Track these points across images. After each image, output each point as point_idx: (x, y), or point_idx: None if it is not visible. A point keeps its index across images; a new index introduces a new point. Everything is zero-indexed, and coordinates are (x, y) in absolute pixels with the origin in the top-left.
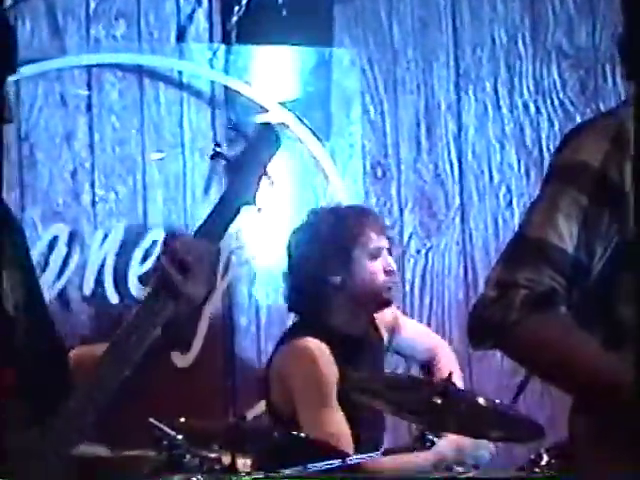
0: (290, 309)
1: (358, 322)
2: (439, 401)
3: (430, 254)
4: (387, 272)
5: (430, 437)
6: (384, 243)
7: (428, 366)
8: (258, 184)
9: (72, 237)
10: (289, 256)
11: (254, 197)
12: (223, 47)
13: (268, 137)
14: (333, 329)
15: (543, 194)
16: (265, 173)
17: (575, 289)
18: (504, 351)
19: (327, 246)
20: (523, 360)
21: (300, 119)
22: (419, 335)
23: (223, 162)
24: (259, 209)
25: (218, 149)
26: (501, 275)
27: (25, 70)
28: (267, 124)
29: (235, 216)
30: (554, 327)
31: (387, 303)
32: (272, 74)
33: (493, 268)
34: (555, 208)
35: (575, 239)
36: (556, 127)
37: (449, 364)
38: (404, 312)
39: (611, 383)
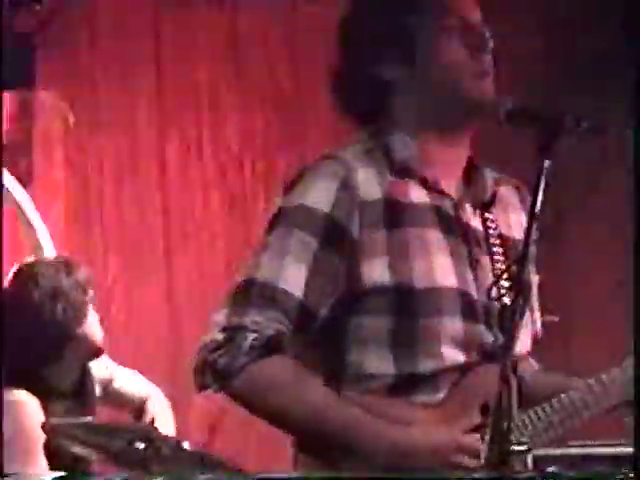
0: None
1: (70, 375)
2: (142, 446)
3: (136, 299)
4: None
5: None
6: None
7: (139, 413)
8: None
9: None
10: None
11: None
12: None
13: None
14: (44, 380)
15: (271, 237)
16: None
17: (302, 333)
18: (230, 395)
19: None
20: (250, 404)
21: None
22: (131, 383)
23: None
24: None
25: None
26: (228, 318)
27: None
28: None
29: None
30: (281, 371)
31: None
32: None
33: (218, 311)
34: (284, 252)
35: (304, 283)
36: (259, 169)
37: (158, 410)
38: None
39: (337, 425)
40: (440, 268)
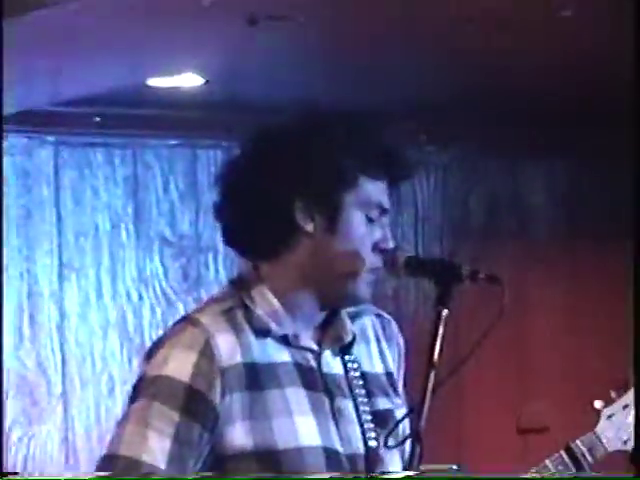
0: None
1: None
2: None
3: (32, 442)
4: None
5: None
6: None
7: None
8: None
9: None
10: None
11: None
12: None
13: None
14: None
15: (133, 409)
16: None
17: None
18: None
19: None
20: None
21: None
22: None
23: None
24: None
25: None
26: None
27: None
28: None
29: None
30: None
31: None
32: None
33: None
34: (146, 425)
35: (167, 454)
36: (158, 315)
37: None
38: None
39: None
40: (302, 427)
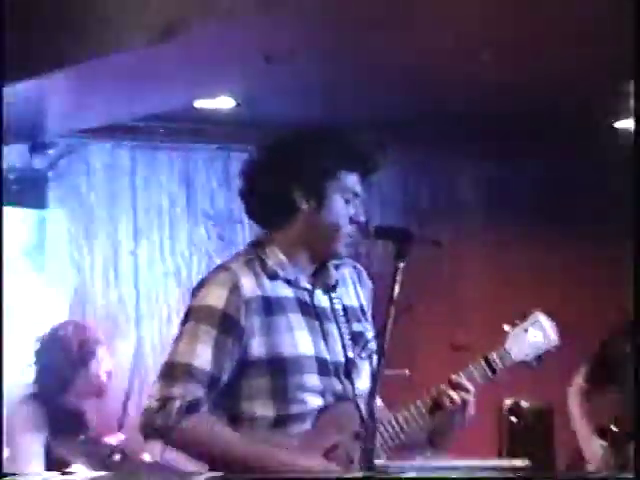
0: None
1: None
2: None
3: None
4: None
5: None
6: None
7: None
8: None
9: None
10: None
11: None
12: None
13: None
14: None
15: (184, 329)
16: None
17: (212, 393)
18: (170, 444)
19: None
20: (186, 450)
21: None
22: None
23: None
24: None
25: None
26: (159, 391)
27: None
28: None
29: None
30: (201, 425)
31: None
32: None
33: (153, 385)
34: (194, 339)
35: (210, 360)
36: (202, 267)
37: None
38: None
39: (245, 454)
40: (300, 341)
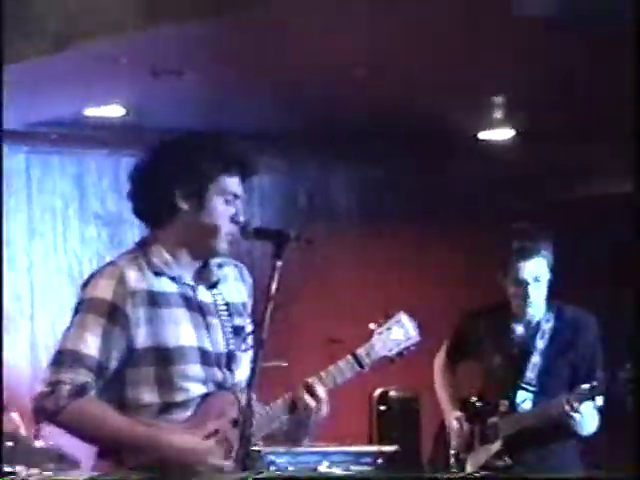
0: None
1: None
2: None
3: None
4: None
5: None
6: None
7: None
8: None
9: None
10: None
11: None
12: None
13: None
14: None
15: (75, 320)
16: None
17: (100, 380)
18: (58, 426)
19: None
20: (73, 431)
21: None
22: None
23: None
24: None
25: None
26: (50, 377)
27: None
28: None
29: None
30: (89, 407)
31: None
32: None
33: (44, 371)
34: (83, 328)
35: (98, 347)
36: (93, 264)
37: None
38: None
39: (133, 437)
40: (184, 333)
